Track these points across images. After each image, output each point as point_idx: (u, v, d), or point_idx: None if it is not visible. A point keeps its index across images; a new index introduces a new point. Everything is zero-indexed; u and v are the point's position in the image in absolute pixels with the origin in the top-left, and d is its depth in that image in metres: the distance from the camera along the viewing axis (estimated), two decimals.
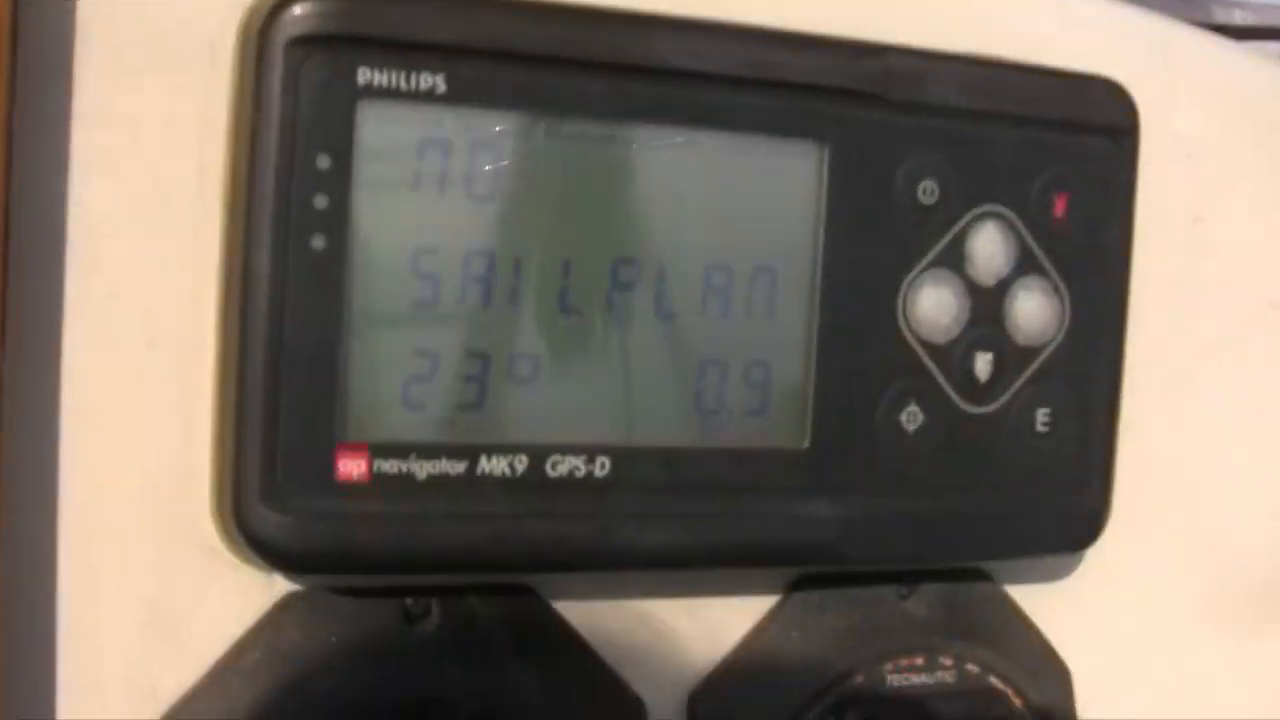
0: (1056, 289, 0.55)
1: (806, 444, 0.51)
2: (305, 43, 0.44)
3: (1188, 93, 0.61)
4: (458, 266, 0.46)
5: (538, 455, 0.47)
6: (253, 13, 0.45)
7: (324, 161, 0.44)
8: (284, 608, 0.48)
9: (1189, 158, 0.61)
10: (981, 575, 0.59)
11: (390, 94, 0.45)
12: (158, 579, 0.46)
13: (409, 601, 0.50)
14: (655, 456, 0.49)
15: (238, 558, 0.47)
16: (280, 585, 0.48)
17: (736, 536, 0.50)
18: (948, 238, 0.53)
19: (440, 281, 0.46)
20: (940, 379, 0.53)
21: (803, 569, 0.55)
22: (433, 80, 0.45)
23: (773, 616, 0.55)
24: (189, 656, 0.47)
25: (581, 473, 0.48)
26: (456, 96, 0.45)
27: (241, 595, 0.47)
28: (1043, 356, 0.54)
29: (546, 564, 0.49)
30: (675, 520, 0.49)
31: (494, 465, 0.47)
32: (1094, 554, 0.60)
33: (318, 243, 0.44)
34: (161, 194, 0.45)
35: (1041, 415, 0.54)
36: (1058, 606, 0.60)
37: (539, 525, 0.47)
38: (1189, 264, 0.62)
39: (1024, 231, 0.54)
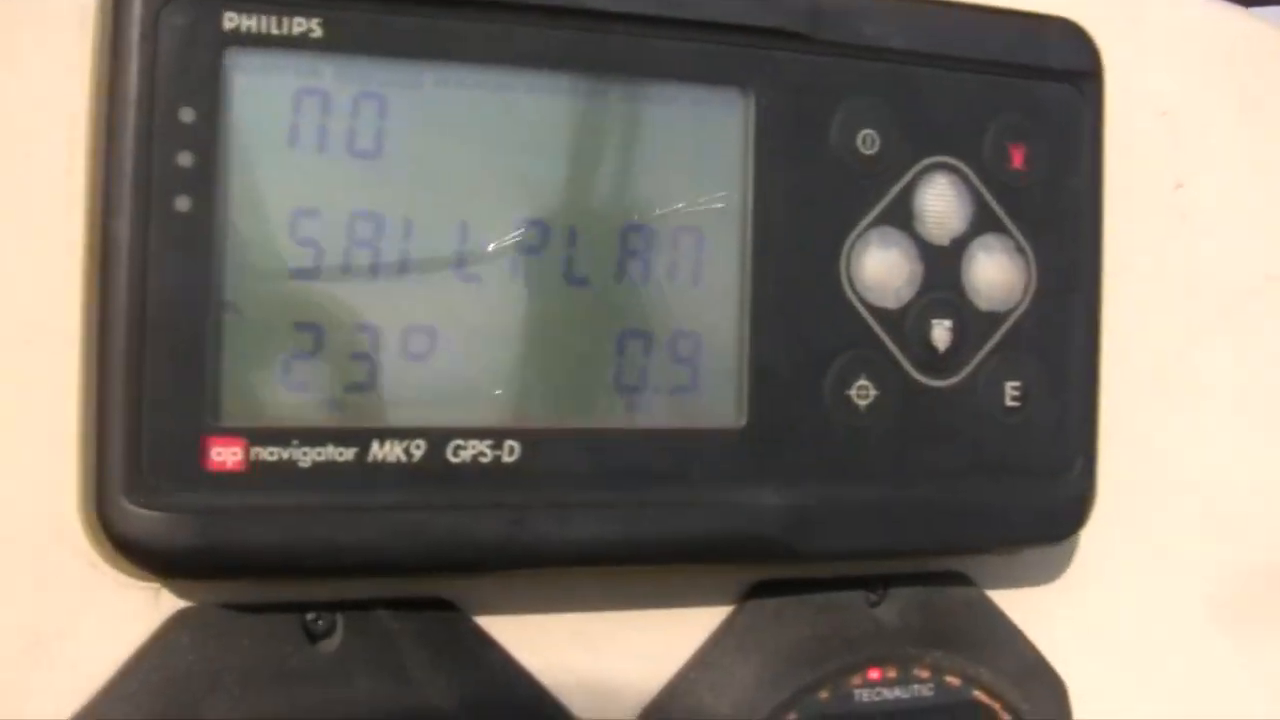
0: (1020, 248, 0.51)
1: (744, 423, 0.47)
2: None
3: (1158, 46, 0.57)
4: (341, 231, 0.43)
5: (437, 439, 0.43)
6: None
7: (188, 115, 0.41)
8: (173, 627, 0.43)
9: (1164, 116, 0.57)
10: (960, 577, 0.54)
11: (260, 40, 0.42)
12: (33, 599, 0.42)
13: (310, 617, 0.45)
14: (571, 440, 0.45)
15: (118, 570, 0.43)
16: (168, 602, 0.44)
17: (668, 529, 0.46)
18: (893, 192, 0.49)
19: (322, 247, 0.43)
20: (893, 349, 0.49)
21: (757, 574, 0.51)
22: (307, 25, 0.42)
23: (726, 628, 0.50)
24: (69, 684, 0.42)
25: (487, 459, 0.44)
26: (334, 42, 0.42)
27: (126, 614, 0.43)
28: (1008, 323, 0.51)
29: (451, 562, 0.44)
30: (597, 511, 0.45)
31: (388, 451, 0.43)
32: (1085, 551, 0.55)
33: (182, 204, 0.41)
34: (30, 175, 0.42)
35: (1010, 389, 0.50)
36: (1048, 610, 0.55)
37: (440, 518, 0.43)
38: (1174, 232, 0.57)
39: (979, 185, 0.50)
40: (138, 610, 0.43)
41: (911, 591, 0.53)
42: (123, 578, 0.43)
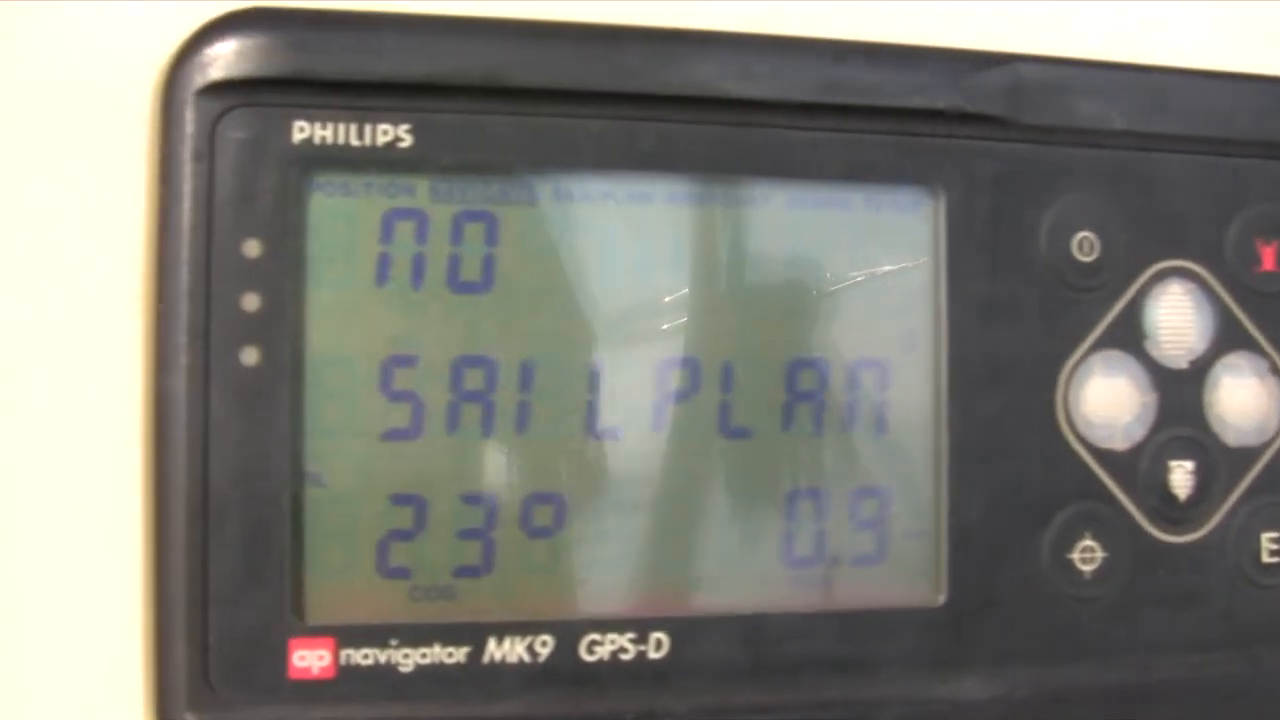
0: (1275, 368, 0.43)
1: (943, 599, 0.40)
2: (221, 90, 0.36)
3: None
4: (444, 382, 0.38)
5: (568, 634, 0.38)
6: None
7: (253, 248, 0.36)
8: None
9: None
10: None
11: (339, 155, 0.37)
12: None
13: None
14: (731, 628, 0.39)
15: None
16: None
17: None
18: (1119, 307, 0.42)
19: (421, 402, 0.37)
20: (1124, 500, 0.42)
21: None
22: (394, 133, 0.37)
23: None
24: None
25: (629, 655, 0.38)
26: (428, 153, 0.37)
27: None
28: (1263, 461, 0.43)
29: None
30: (765, 716, 0.39)
31: (508, 650, 0.37)
32: None
33: (249, 357, 0.36)
34: (78, 310, 0.37)
35: (1269, 541, 0.43)
36: None
37: None
38: None
39: (1222, 293, 0.43)
40: None
41: None
42: None
